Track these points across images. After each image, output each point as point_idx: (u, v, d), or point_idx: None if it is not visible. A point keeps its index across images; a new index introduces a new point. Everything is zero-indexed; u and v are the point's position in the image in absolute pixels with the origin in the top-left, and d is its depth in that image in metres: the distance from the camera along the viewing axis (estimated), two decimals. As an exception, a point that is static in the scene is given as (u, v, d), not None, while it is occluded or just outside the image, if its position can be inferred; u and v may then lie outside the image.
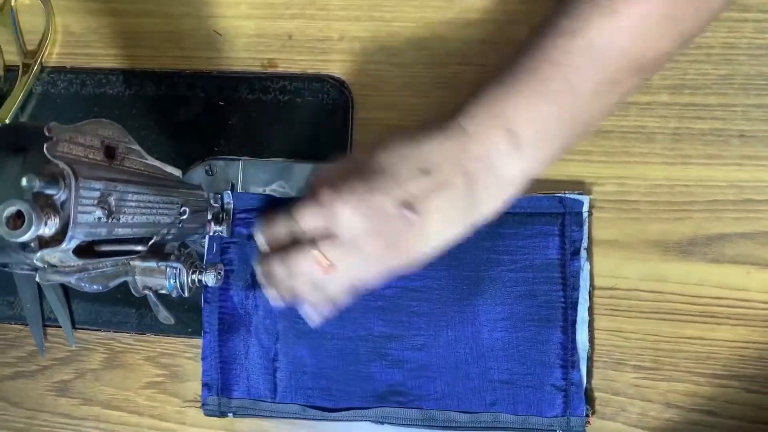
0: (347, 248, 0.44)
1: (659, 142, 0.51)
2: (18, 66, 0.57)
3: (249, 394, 0.53)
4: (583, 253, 0.50)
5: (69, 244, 0.32)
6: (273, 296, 0.47)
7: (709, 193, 0.50)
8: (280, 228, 0.46)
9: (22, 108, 0.57)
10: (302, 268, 0.44)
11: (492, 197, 0.44)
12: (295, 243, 0.45)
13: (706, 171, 0.50)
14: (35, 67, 0.57)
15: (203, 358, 0.53)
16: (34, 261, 0.33)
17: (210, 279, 0.44)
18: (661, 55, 0.43)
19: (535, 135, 0.42)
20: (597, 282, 0.51)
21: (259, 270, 0.48)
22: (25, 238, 0.30)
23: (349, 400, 0.52)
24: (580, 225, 0.50)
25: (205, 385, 0.53)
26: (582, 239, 0.50)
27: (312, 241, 0.44)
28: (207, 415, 0.53)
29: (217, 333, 0.53)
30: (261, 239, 0.47)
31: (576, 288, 0.50)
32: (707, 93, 0.50)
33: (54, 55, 0.58)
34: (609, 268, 0.51)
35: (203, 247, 0.53)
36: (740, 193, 0.50)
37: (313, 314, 0.48)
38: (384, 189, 0.43)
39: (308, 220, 0.44)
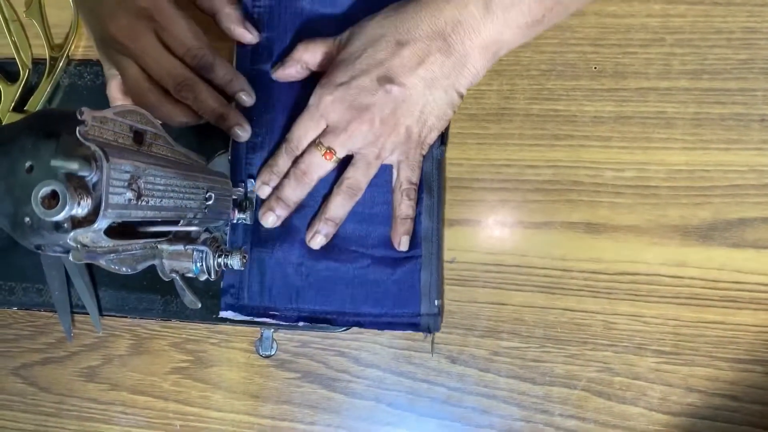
0: (343, 133, 0.49)
1: (679, 127, 0.51)
2: (45, 59, 0.58)
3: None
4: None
5: (101, 224, 0.33)
6: (273, 220, 0.52)
7: (729, 177, 0.50)
8: (280, 160, 0.52)
9: (50, 100, 0.58)
10: (313, 160, 0.50)
11: (470, 60, 0.47)
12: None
13: (726, 156, 0.50)
14: (62, 60, 0.58)
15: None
16: (68, 241, 0.34)
17: (236, 262, 0.45)
18: None
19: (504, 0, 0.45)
20: (617, 267, 0.51)
21: (263, 209, 0.53)
22: (60, 217, 0.31)
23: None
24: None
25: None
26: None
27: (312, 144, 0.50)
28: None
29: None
30: (262, 184, 0.53)
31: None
32: (727, 78, 0.50)
33: (80, 48, 0.59)
34: (629, 253, 0.51)
35: (227, 235, 0.54)
36: (761, 177, 0.49)
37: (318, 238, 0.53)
38: (363, 70, 0.47)
39: (302, 128, 0.50)
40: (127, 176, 0.35)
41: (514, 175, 0.52)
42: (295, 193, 0.52)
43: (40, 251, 0.36)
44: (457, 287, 0.53)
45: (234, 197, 0.51)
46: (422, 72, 0.47)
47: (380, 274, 0.53)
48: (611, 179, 0.51)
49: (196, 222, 0.44)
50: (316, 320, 0.53)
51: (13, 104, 0.58)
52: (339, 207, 0.52)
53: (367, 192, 0.52)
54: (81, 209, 0.32)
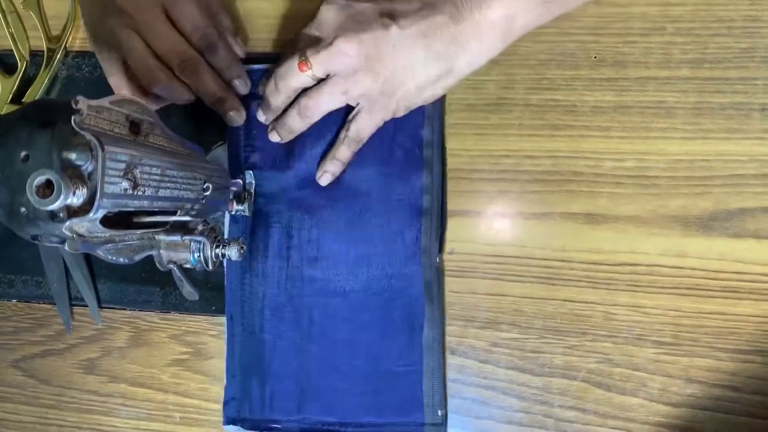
0: (326, 49, 0.47)
1: (679, 116, 0.50)
2: (43, 51, 0.58)
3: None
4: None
5: (96, 214, 0.33)
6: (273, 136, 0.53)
7: (729, 167, 0.50)
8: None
9: (48, 92, 0.58)
10: (288, 72, 0.49)
11: (475, 37, 0.46)
12: None
13: (727, 145, 0.50)
14: (60, 52, 0.58)
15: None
16: (63, 230, 0.33)
17: (233, 253, 0.45)
18: None
19: None
20: (617, 258, 0.51)
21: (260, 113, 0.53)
22: (55, 206, 0.31)
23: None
24: None
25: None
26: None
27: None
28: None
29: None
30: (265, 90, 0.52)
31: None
32: (728, 67, 0.50)
33: (78, 39, 0.59)
34: (629, 243, 0.50)
35: (224, 226, 0.54)
36: (761, 167, 0.49)
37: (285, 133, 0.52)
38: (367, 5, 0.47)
39: (303, 33, 0.50)
40: (122, 165, 0.34)
41: (514, 165, 0.52)
42: (274, 97, 0.51)
43: (36, 242, 0.36)
44: (456, 278, 0.53)
45: (232, 188, 0.51)
46: (424, 26, 0.45)
47: (380, 385, 0.53)
48: (611, 169, 0.51)
49: (193, 213, 0.44)
50: None
51: (10, 96, 0.57)
52: (294, 120, 0.51)
53: (358, 298, 0.53)
54: (76, 199, 0.32)
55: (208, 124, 0.55)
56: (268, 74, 0.52)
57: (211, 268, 0.44)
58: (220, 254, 0.45)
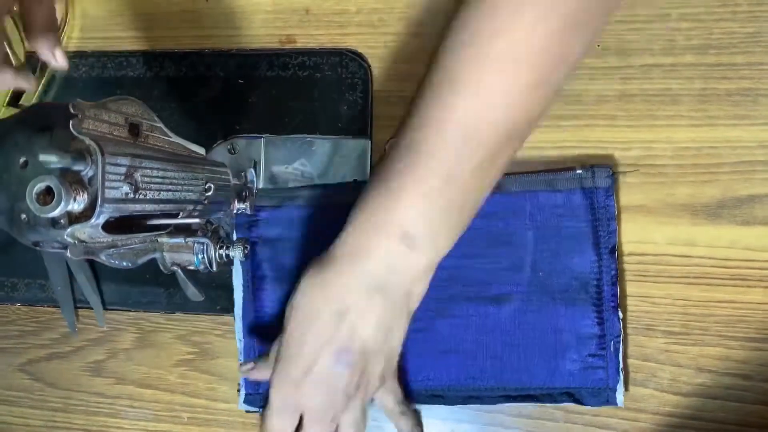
0: (328, 422, 0.46)
1: (685, 104, 0.50)
2: (39, 52, 0.57)
3: None
4: (614, 225, 0.50)
5: (98, 219, 0.33)
6: None
7: (737, 154, 0.49)
8: None
9: (45, 94, 0.57)
10: None
11: (409, 295, 0.45)
12: None
13: (734, 132, 0.49)
14: (56, 53, 0.57)
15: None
16: (65, 237, 0.33)
17: (237, 253, 0.45)
18: (535, 117, 0.42)
19: (427, 230, 0.42)
20: (625, 248, 0.50)
21: None
22: (55, 213, 0.30)
23: None
24: (610, 194, 0.49)
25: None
26: (613, 209, 0.50)
27: None
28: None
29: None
30: None
31: (613, 261, 0.49)
32: (734, 52, 0.49)
33: (74, 39, 0.58)
34: (637, 233, 0.50)
35: (228, 225, 0.53)
36: (770, 153, 0.49)
37: None
38: (315, 351, 0.44)
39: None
40: (123, 169, 0.34)
41: (520, 157, 0.51)
42: None
43: (37, 248, 0.36)
44: (462, 272, 0.52)
45: (234, 182, 0.51)
46: (372, 330, 0.44)
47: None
48: (617, 158, 0.50)
49: (195, 214, 0.44)
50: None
51: (7, 99, 0.57)
52: None
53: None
54: (77, 204, 0.32)
55: (209, 122, 0.54)
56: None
57: (215, 269, 0.44)
58: (224, 255, 0.44)
